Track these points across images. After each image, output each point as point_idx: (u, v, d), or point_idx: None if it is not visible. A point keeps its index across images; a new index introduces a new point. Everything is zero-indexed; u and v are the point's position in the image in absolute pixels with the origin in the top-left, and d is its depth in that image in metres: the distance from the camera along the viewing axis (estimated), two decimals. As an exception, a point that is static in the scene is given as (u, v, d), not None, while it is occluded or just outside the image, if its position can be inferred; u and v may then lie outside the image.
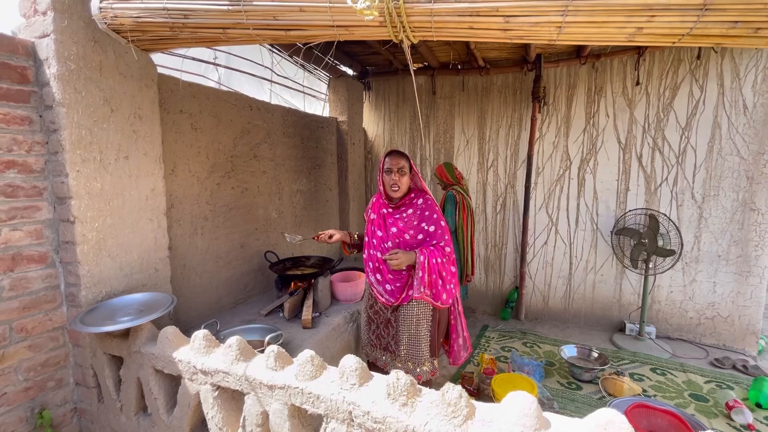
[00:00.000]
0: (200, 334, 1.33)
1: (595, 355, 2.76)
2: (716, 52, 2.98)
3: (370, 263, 2.05)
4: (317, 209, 3.39)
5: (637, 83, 3.20)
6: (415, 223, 1.93)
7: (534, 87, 3.39)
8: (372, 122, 4.22)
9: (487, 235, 3.91)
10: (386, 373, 2.17)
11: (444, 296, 1.89)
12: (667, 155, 3.22)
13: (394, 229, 1.99)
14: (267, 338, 1.64)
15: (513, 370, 2.69)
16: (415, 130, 4.07)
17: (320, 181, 3.43)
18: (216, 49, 2.40)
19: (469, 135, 3.86)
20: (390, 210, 2.01)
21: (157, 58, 2.06)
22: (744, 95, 2.96)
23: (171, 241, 1.98)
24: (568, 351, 2.84)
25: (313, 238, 2.16)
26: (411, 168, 1.94)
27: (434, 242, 1.89)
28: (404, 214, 1.97)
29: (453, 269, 1.93)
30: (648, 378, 2.74)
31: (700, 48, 2.98)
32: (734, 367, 2.87)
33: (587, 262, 3.58)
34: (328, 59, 3.36)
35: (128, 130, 1.63)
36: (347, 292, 2.54)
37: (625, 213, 3.30)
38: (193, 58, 2.25)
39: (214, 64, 2.41)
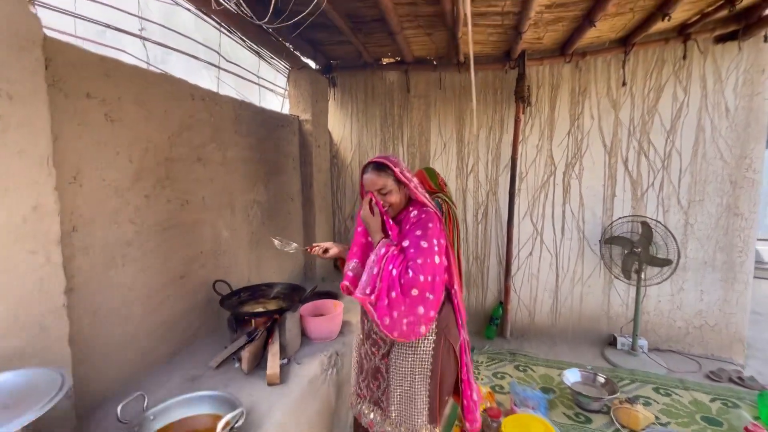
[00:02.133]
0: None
1: (602, 380, 2.49)
2: (701, 52, 2.89)
3: None
4: (278, 223, 2.84)
5: (624, 84, 3.04)
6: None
7: (517, 86, 3.12)
8: (338, 122, 3.75)
9: (468, 246, 3.58)
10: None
11: (386, 320, 1.35)
12: (652, 159, 3.09)
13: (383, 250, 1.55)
14: (219, 426, 1.11)
15: (515, 405, 2.34)
16: (386, 131, 3.66)
17: (281, 189, 2.89)
18: (145, 20, 1.82)
19: (447, 137, 3.52)
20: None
21: (51, 17, 1.45)
22: (726, 98, 2.89)
23: (73, 280, 1.37)
24: (571, 376, 2.54)
25: (305, 250, 1.76)
26: (398, 180, 1.51)
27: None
28: (399, 232, 1.54)
29: (417, 309, 1.36)
30: (654, 401, 2.52)
31: (685, 48, 2.88)
32: (730, 380, 2.75)
33: (574, 273, 3.36)
34: (291, 45, 2.86)
35: (-14, 116, 1.04)
36: (322, 328, 2.04)
37: (614, 221, 3.13)
38: (108, 26, 1.65)
39: (140, 37, 1.82)
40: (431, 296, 1.39)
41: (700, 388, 2.67)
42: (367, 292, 1.37)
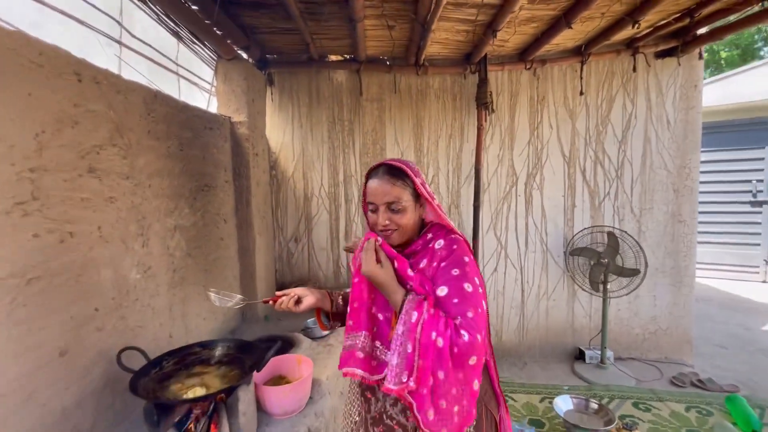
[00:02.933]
0: None
1: (595, 406, 2.30)
2: (649, 66, 2.98)
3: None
4: (207, 254, 2.19)
5: (581, 93, 3.02)
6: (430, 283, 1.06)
7: (479, 91, 2.92)
8: (276, 128, 3.18)
9: (431, 265, 3.25)
10: None
11: (431, 414, 0.94)
12: (608, 169, 3.11)
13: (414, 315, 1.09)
14: None
15: (514, 451, 2.03)
16: (335, 138, 3.19)
17: (210, 209, 2.25)
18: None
19: (404, 146, 3.18)
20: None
21: None
22: (667, 111, 3.03)
23: None
24: (563, 404, 2.32)
25: (266, 303, 1.21)
26: (418, 195, 1.10)
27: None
28: (415, 270, 1.10)
29: (472, 385, 0.98)
30: (639, 418, 2.42)
31: (635, 61, 2.95)
32: (692, 384, 2.80)
33: (539, 288, 3.23)
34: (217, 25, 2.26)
35: None
36: (286, 401, 1.49)
37: (576, 233, 3.07)
38: None
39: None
40: (483, 359, 0.98)
41: (671, 396, 2.65)
42: (404, 379, 0.91)
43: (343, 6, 2.08)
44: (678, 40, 2.83)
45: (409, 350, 0.93)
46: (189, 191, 2.01)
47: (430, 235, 1.13)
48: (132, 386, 1.26)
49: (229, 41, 2.47)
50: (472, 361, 0.92)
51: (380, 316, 1.10)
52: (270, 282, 2.94)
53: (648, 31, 2.69)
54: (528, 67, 2.98)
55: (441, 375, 0.93)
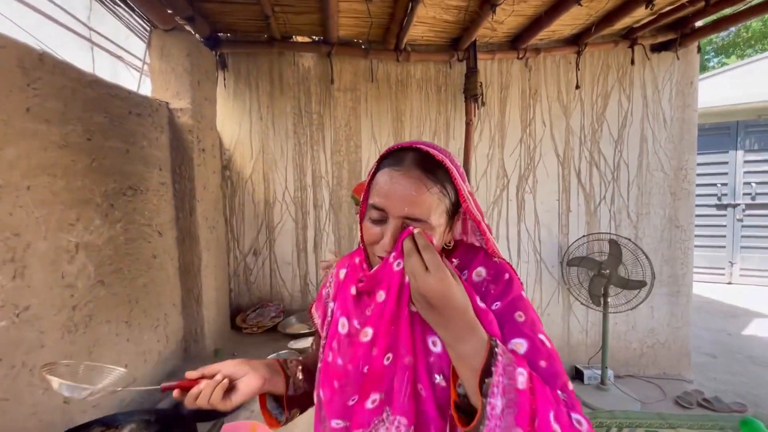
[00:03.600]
0: None
1: (612, 445, 1.99)
2: (648, 59, 2.76)
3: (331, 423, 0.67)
4: (133, 278, 1.66)
5: (577, 87, 2.74)
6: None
7: (467, 82, 2.57)
8: (230, 120, 2.67)
9: (414, 279, 2.85)
10: None
11: None
12: (603, 171, 2.85)
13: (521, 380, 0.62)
14: None
15: None
16: (301, 133, 2.73)
17: (137, 219, 1.72)
18: None
19: (383, 143, 2.77)
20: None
21: None
22: (663, 108, 2.82)
23: None
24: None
25: (166, 391, 0.67)
26: (456, 209, 0.68)
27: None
28: None
29: None
30: (655, 452, 2.13)
31: (633, 53, 2.72)
32: (699, 404, 2.58)
33: (533, 301, 2.91)
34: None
35: None
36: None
37: (572, 242, 2.78)
38: None
39: None
40: None
41: (681, 422, 2.40)
42: None
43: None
44: (676, 32, 2.63)
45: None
46: (102, 196, 1.48)
47: (456, 261, 0.71)
48: None
49: (168, 10, 1.96)
50: None
51: (423, 392, 0.65)
52: (222, 306, 2.41)
53: (649, 19, 2.46)
54: (520, 56, 2.66)
55: None
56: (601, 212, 2.87)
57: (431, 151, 0.62)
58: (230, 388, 0.67)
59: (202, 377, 0.66)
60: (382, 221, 0.64)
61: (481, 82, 2.59)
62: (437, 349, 0.63)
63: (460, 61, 2.66)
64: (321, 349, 0.76)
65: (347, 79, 2.71)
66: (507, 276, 0.67)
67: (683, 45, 2.69)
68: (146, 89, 2.07)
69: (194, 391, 0.65)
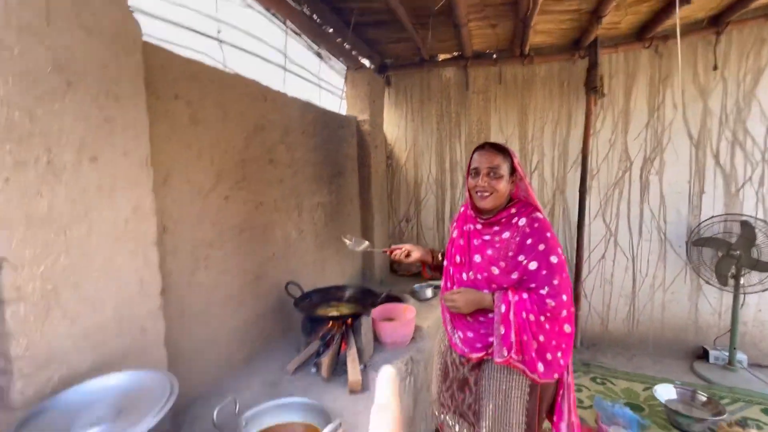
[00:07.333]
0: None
1: (702, 398, 2.22)
2: (812, 29, 2.54)
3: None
4: (339, 225, 2.80)
5: (715, 68, 2.73)
6: (511, 254, 1.35)
7: (588, 76, 2.90)
8: (392, 123, 3.68)
9: (532, 249, 3.37)
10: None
11: (540, 367, 1.27)
12: (750, 151, 2.75)
13: (478, 257, 1.42)
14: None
15: (602, 422, 2.13)
16: (443, 130, 3.54)
17: (342, 191, 2.86)
18: (221, 21, 1.83)
19: (508, 134, 3.35)
20: (478, 227, 1.44)
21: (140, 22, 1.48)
22: (842, 79, 2.52)
23: (164, 281, 1.37)
24: (664, 392, 2.29)
25: (385, 252, 1.73)
26: (514, 170, 1.38)
27: (532, 286, 1.30)
28: (497, 238, 1.40)
29: (564, 329, 1.29)
30: (765, 424, 2.21)
31: (791, 24, 2.54)
32: None
33: (654, 278, 3.06)
34: (346, 46, 2.82)
35: (97, 117, 1.04)
36: (396, 333, 1.96)
37: (703, 221, 2.81)
38: (191, 29, 1.67)
39: (218, 39, 1.84)
40: (572, 309, 1.29)
41: (820, 411, 2.31)
42: (505, 354, 1.27)
43: (449, 15, 2.40)
44: None
45: (502, 332, 1.27)
46: (327, 176, 2.63)
47: (513, 210, 1.40)
48: (295, 305, 1.88)
49: (354, 53, 3.03)
50: (563, 314, 1.26)
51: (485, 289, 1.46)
52: (385, 255, 3.49)
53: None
54: (647, 45, 2.83)
55: (542, 338, 1.26)
56: (744, 194, 2.79)
57: (496, 143, 1.38)
58: (408, 254, 1.60)
59: (398, 248, 1.60)
60: (477, 175, 1.39)
61: (601, 75, 2.89)
62: (496, 271, 1.38)
63: (582, 57, 3.00)
64: (446, 248, 1.58)
65: (480, 84, 3.37)
66: (537, 224, 1.35)
67: None
68: (344, 109, 3.22)
69: (396, 252, 1.60)
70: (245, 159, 1.84)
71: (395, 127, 3.68)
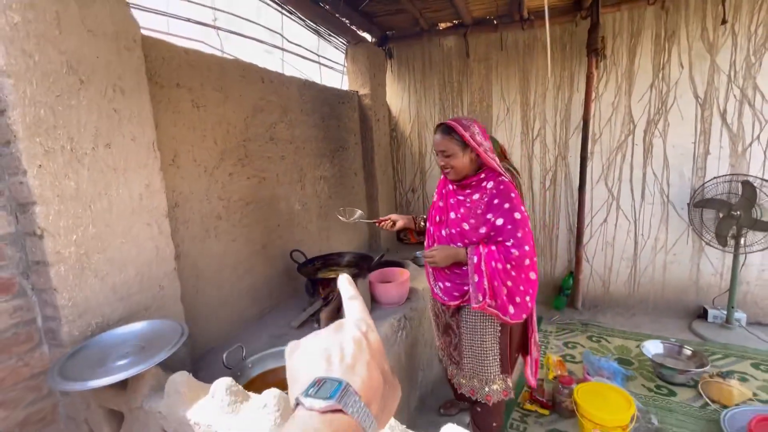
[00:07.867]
0: (222, 386, 0.94)
1: (688, 352, 2.32)
2: (830, -27, 2.38)
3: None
4: (343, 197, 2.97)
5: (724, 21, 2.63)
6: (479, 212, 1.52)
7: (589, 38, 2.84)
8: (395, 95, 3.74)
9: (535, 215, 3.45)
10: (452, 385, 1.82)
11: (511, 309, 1.48)
12: (759, 108, 2.67)
13: (453, 214, 1.61)
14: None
15: (588, 374, 2.28)
16: (445, 100, 3.57)
17: (345, 165, 3.00)
18: (216, 9, 1.96)
19: (510, 101, 3.35)
20: (454, 188, 1.61)
21: (139, 17, 1.63)
22: None
23: (178, 249, 1.59)
24: (652, 347, 2.40)
25: (375, 223, 1.90)
26: (465, 144, 1.50)
27: (499, 239, 1.47)
28: (468, 199, 1.56)
29: (529, 276, 1.49)
30: (752, 377, 2.30)
31: (808, -31, 2.40)
32: None
33: (656, 241, 3.09)
34: (345, 21, 2.88)
35: (106, 109, 1.22)
36: (391, 294, 2.14)
37: (707, 182, 2.79)
38: (188, 19, 1.81)
39: (214, 27, 1.97)
40: (535, 259, 1.47)
41: (812, 365, 2.37)
42: (480, 299, 1.45)
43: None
44: None
45: (476, 280, 1.45)
46: (329, 151, 2.78)
47: (483, 176, 1.54)
48: (299, 270, 2.09)
49: (353, 27, 3.08)
50: (527, 262, 1.44)
51: (459, 244, 1.62)
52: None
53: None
54: (652, 2, 2.73)
55: (510, 283, 1.45)
56: (751, 154, 2.73)
57: (447, 122, 1.49)
58: (393, 224, 1.77)
59: (386, 219, 1.76)
60: (437, 155, 1.53)
61: (603, 36, 2.83)
62: (466, 227, 1.52)
63: (583, 18, 2.93)
64: (429, 221, 1.74)
65: (481, 51, 3.36)
66: (502, 186, 1.48)
67: None
68: (345, 84, 3.31)
69: (384, 223, 1.78)
70: (247, 138, 2.01)
71: (399, 99, 3.74)
